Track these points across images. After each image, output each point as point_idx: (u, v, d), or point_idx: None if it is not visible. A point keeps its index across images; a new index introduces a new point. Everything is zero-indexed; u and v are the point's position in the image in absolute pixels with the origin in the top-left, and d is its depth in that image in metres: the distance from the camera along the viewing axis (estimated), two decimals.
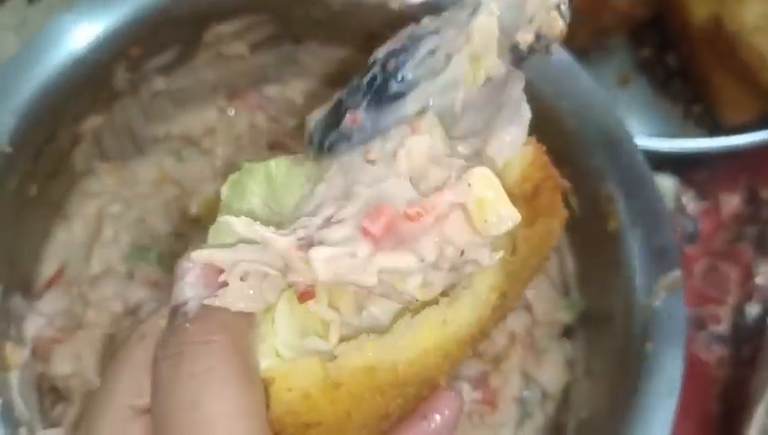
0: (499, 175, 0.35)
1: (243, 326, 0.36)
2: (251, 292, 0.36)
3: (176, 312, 0.36)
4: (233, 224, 0.36)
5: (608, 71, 0.92)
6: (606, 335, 0.66)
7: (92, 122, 0.66)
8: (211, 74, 0.73)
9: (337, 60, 0.75)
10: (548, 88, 0.66)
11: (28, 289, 0.64)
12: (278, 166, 0.40)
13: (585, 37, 0.87)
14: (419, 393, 0.39)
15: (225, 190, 0.40)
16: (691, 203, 0.88)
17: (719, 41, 0.84)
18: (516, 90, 0.40)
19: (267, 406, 0.36)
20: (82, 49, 0.62)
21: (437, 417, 0.39)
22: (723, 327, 0.83)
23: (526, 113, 0.40)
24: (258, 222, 0.36)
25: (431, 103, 0.40)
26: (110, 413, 0.38)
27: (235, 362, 0.35)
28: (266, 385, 0.36)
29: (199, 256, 0.36)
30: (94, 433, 0.38)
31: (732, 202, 0.88)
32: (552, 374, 0.69)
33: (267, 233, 0.35)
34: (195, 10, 0.66)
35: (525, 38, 0.41)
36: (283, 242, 0.35)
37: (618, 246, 0.64)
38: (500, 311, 0.39)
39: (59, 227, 0.68)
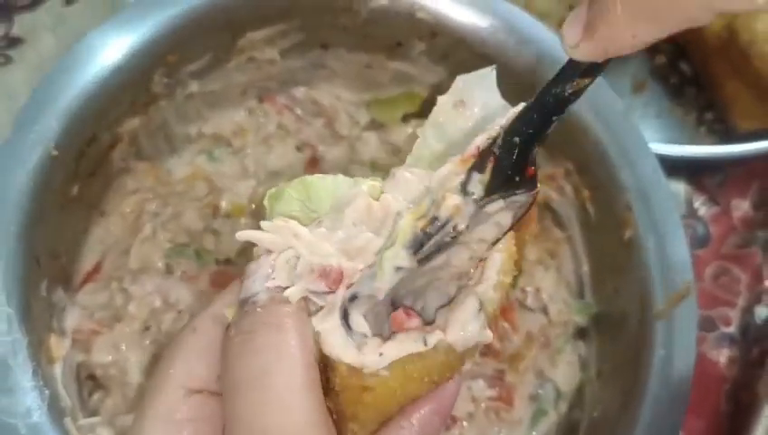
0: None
1: (303, 314, 0.40)
2: (295, 275, 0.41)
3: (246, 301, 0.41)
4: (265, 226, 0.42)
5: (623, 78, 0.94)
6: (618, 338, 0.68)
7: (130, 124, 0.68)
8: (242, 78, 0.76)
9: (363, 65, 0.78)
10: None
11: (68, 283, 0.67)
12: (312, 179, 0.44)
13: None
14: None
15: (266, 201, 0.44)
16: (703, 208, 0.90)
17: (733, 50, 0.85)
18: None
19: (334, 368, 0.40)
20: (123, 57, 0.64)
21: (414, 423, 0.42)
22: (733, 329, 0.85)
23: None
24: (294, 221, 0.42)
25: None
26: (166, 392, 0.42)
27: (300, 342, 0.39)
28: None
29: (241, 234, 0.42)
30: (150, 408, 0.42)
31: (742, 207, 0.90)
32: (565, 374, 0.71)
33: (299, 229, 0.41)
34: (230, 19, 0.69)
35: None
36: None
37: (632, 253, 0.66)
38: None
39: (97, 223, 0.70)
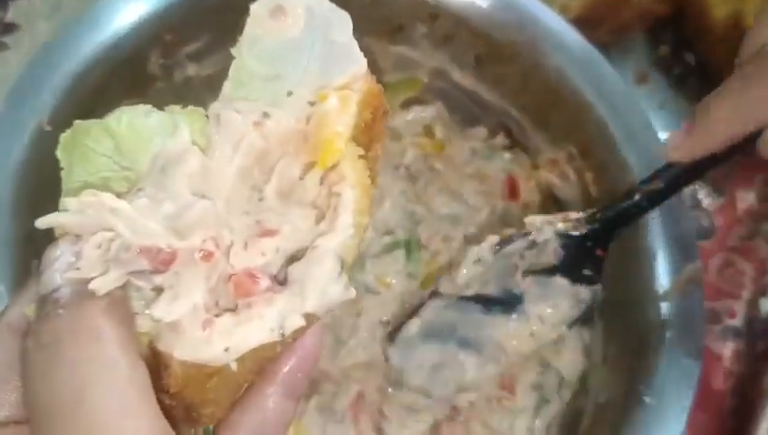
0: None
1: (119, 307, 0.33)
2: (109, 260, 0.33)
3: (46, 300, 0.32)
4: (69, 204, 0.34)
5: (626, 68, 0.92)
6: (624, 323, 0.67)
7: (127, 105, 0.67)
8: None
9: (365, 49, 0.77)
10: (574, 80, 0.68)
11: None
12: (119, 121, 0.35)
13: (605, 35, 0.88)
14: None
15: (60, 154, 0.36)
16: (707, 199, 0.89)
17: (737, 39, 0.85)
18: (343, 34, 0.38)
19: (167, 366, 0.34)
20: (119, 33, 0.63)
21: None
22: (738, 321, 0.84)
23: (360, 60, 0.38)
24: (108, 193, 0.34)
25: None
26: None
27: (120, 346, 0.32)
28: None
29: (42, 221, 0.34)
30: None
31: (747, 199, 0.89)
32: (569, 361, 0.70)
33: (115, 203, 0.33)
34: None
35: None
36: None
37: (638, 237, 0.65)
38: None
39: None
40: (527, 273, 0.66)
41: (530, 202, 0.74)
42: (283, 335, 0.35)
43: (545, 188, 0.75)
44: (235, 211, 0.36)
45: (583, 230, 0.64)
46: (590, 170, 0.70)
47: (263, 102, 0.36)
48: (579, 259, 0.65)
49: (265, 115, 0.36)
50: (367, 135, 0.37)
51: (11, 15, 0.86)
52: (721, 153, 0.56)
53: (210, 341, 0.34)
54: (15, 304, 0.36)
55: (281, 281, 0.35)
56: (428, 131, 0.77)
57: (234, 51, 0.37)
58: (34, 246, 0.59)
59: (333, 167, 0.36)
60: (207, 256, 0.34)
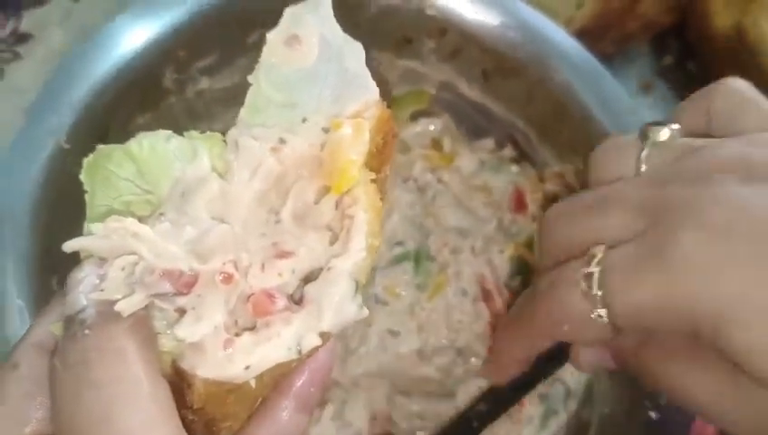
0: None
1: (143, 328, 0.35)
2: (134, 282, 0.34)
3: (72, 320, 0.34)
4: (95, 229, 0.35)
5: (630, 78, 0.93)
6: None
7: (141, 120, 0.68)
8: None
9: (372, 61, 0.78)
10: (580, 94, 0.69)
11: None
12: (140, 146, 0.37)
13: (609, 45, 0.89)
14: None
15: (84, 178, 0.37)
16: None
17: (742, 49, 0.85)
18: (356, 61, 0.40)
19: (190, 384, 0.35)
20: (135, 50, 0.64)
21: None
22: None
23: (373, 88, 0.39)
24: (131, 219, 0.35)
25: None
26: None
27: (144, 366, 0.33)
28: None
29: (68, 245, 0.35)
30: None
31: None
32: (574, 372, 0.71)
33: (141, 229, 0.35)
34: (241, 15, 0.69)
35: None
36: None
37: None
38: None
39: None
40: None
41: (537, 215, 0.75)
42: (300, 353, 0.36)
43: (552, 200, 0.76)
44: (253, 233, 0.37)
45: None
46: None
47: (279, 128, 0.38)
48: None
49: (282, 141, 0.37)
50: (378, 159, 0.38)
51: (24, 25, 0.87)
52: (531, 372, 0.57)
53: (232, 360, 0.35)
54: (40, 322, 0.38)
55: (296, 301, 0.37)
56: (436, 144, 0.78)
57: (250, 78, 0.39)
58: (52, 261, 0.61)
59: (347, 191, 0.37)
60: (227, 278, 0.36)
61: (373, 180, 0.38)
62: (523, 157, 0.78)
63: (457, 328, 0.70)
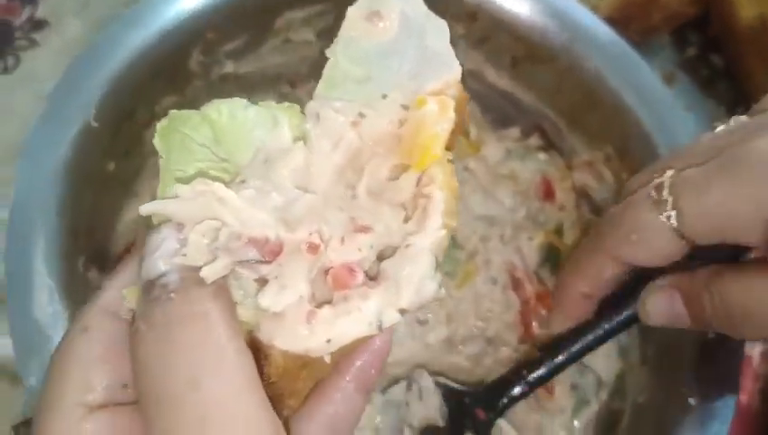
0: None
1: (226, 294, 0.34)
2: (218, 248, 0.34)
3: (153, 285, 0.33)
4: (182, 191, 0.34)
5: (652, 70, 0.92)
6: None
7: (167, 102, 0.67)
8: (278, 59, 0.74)
9: None
10: (611, 81, 0.68)
11: (103, 263, 0.65)
12: (219, 112, 0.36)
13: (633, 36, 0.88)
14: None
15: (157, 143, 0.36)
16: None
17: (765, 41, 0.85)
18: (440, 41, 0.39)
19: (268, 356, 0.35)
20: (165, 30, 0.63)
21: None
22: None
23: (456, 67, 0.39)
24: (218, 183, 0.34)
25: None
26: (60, 414, 0.34)
27: (229, 332, 0.33)
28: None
29: (146, 208, 0.34)
30: None
31: None
32: (606, 362, 0.70)
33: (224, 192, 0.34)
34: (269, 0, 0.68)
35: None
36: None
37: None
38: None
39: (129, 204, 0.69)
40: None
41: (565, 203, 0.74)
42: (380, 329, 0.35)
43: (580, 189, 0.75)
44: (331, 207, 0.36)
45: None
46: (626, 171, 0.70)
47: (358, 103, 0.37)
48: (460, 419, 0.64)
49: (361, 115, 0.37)
50: (450, 140, 0.37)
51: (40, 12, 0.86)
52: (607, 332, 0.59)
53: (314, 332, 0.34)
54: (110, 287, 0.37)
55: (372, 277, 0.36)
56: (463, 132, 0.77)
57: (328, 52, 0.38)
58: (79, 241, 0.60)
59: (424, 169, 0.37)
60: (313, 248, 0.35)
61: (450, 160, 0.37)
62: (550, 145, 0.77)
63: (487, 317, 0.69)
